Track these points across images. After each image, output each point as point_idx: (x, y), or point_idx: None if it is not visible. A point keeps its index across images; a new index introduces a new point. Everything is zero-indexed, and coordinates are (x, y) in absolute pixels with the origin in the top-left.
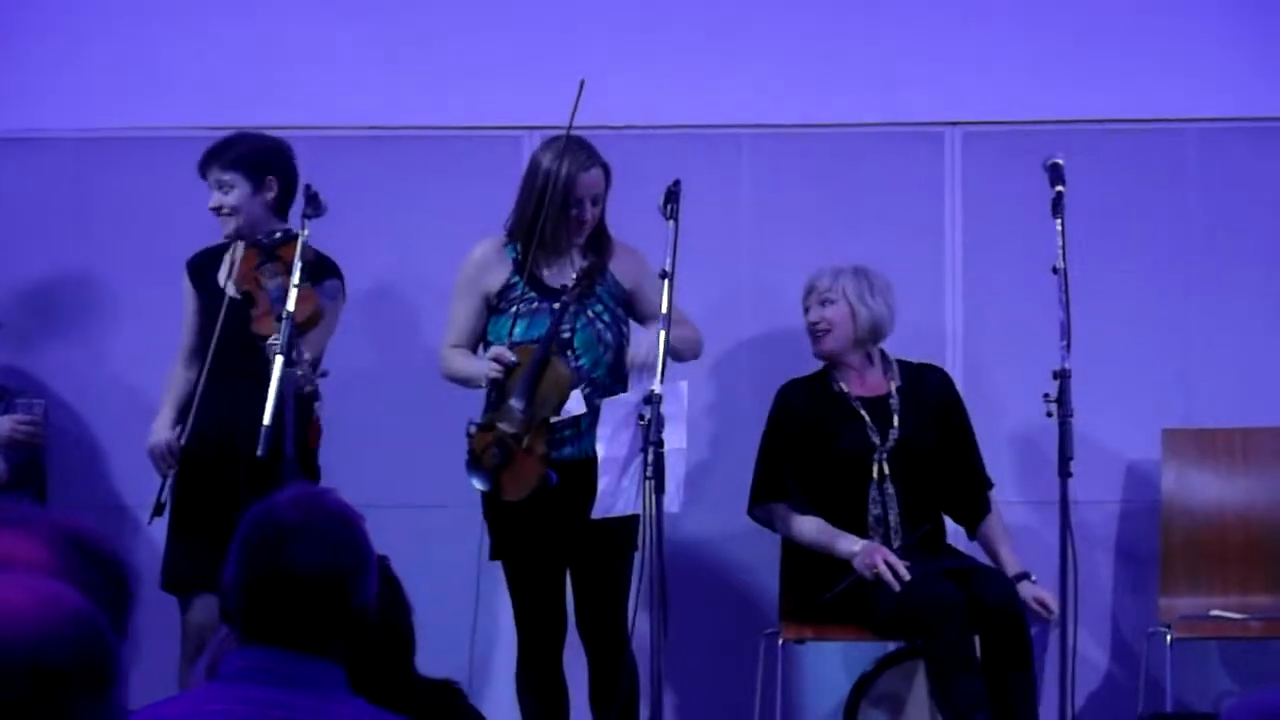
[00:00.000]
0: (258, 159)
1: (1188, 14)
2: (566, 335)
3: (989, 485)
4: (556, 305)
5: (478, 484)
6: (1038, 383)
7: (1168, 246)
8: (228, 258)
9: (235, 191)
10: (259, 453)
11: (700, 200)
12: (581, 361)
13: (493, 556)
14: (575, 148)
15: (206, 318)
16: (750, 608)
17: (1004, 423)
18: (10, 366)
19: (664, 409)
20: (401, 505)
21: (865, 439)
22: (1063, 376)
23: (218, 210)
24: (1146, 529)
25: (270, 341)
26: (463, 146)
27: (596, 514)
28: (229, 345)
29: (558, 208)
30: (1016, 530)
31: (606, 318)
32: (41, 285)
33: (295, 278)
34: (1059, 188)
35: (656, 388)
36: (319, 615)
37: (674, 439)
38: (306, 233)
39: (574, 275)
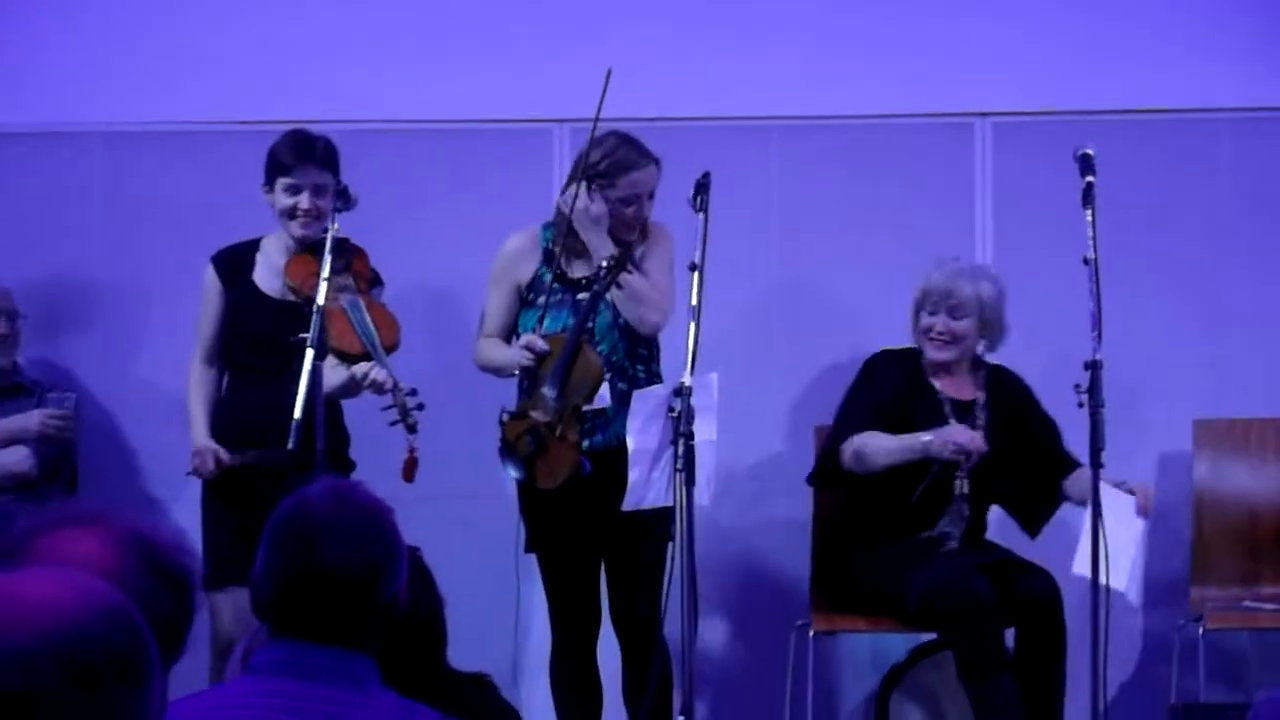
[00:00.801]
0: (337, 160)
1: (1220, 3)
2: (589, 325)
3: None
4: (582, 296)
5: (512, 473)
6: (1069, 373)
7: (1199, 237)
8: (260, 257)
9: (328, 195)
10: (289, 445)
11: (730, 192)
12: (600, 346)
13: (528, 549)
14: (628, 144)
15: (237, 316)
16: (781, 599)
17: None
18: (41, 359)
19: (694, 401)
20: (433, 497)
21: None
22: (1094, 367)
23: (308, 213)
24: (1179, 520)
25: (300, 335)
26: (493, 139)
27: (627, 506)
28: (278, 347)
29: (609, 202)
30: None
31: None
32: (71, 278)
33: (325, 270)
34: (1089, 178)
35: (687, 380)
36: (350, 608)
37: (704, 431)
38: (336, 226)
39: (602, 265)
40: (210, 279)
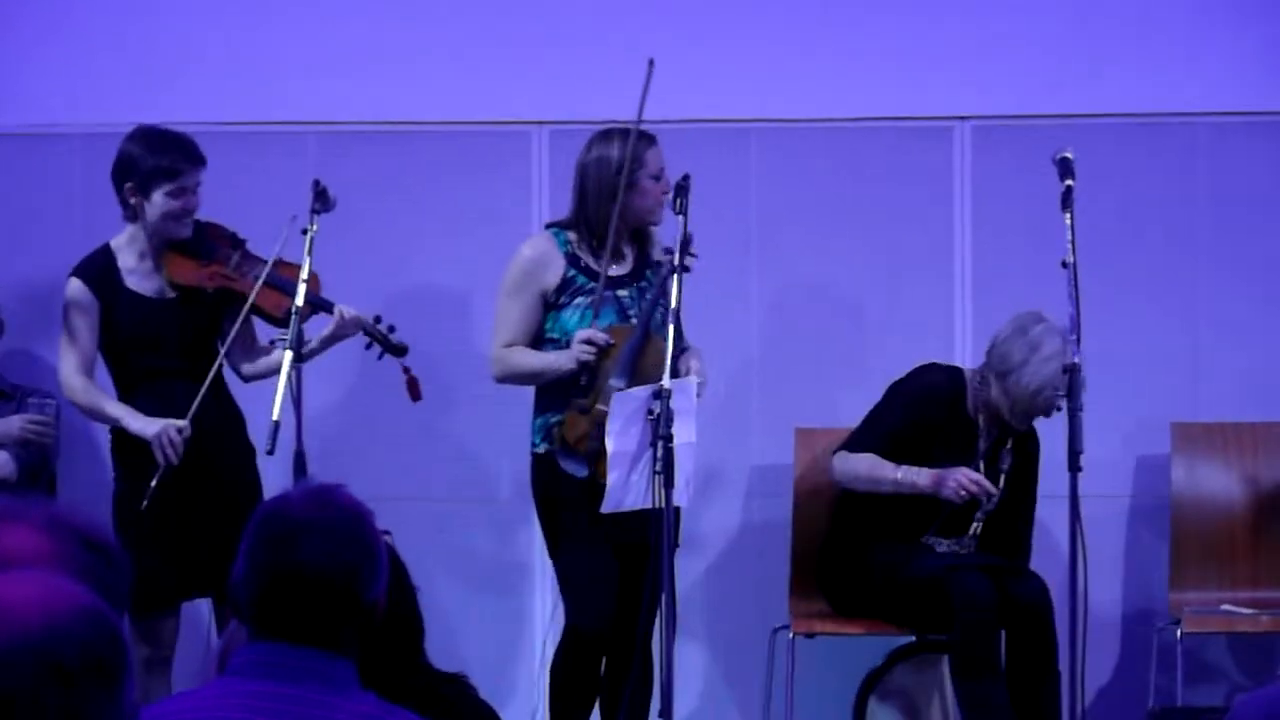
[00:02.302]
0: None
1: (1198, 8)
2: (632, 321)
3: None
4: (622, 293)
5: (573, 470)
6: None
7: (1177, 240)
8: (120, 263)
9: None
10: (267, 450)
11: (710, 194)
12: None
13: (553, 554)
14: (625, 131)
15: (125, 325)
16: (760, 602)
17: None
18: (22, 361)
19: (673, 404)
20: (412, 499)
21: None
22: (1072, 370)
23: (191, 213)
24: (1156, 523)
25: (279, 337)
26: (473, 141)
27: (606, 508)
28: (165, 347)
29: (632, 189)
30: None
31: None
32: (51, 281)
33: (304, 272)
34: (1068, 182)
35: (666, 383)
36: (329, 610)
37: (683, 434)
38: (315, 227)
39: (667, 250)
40: (79, 293)
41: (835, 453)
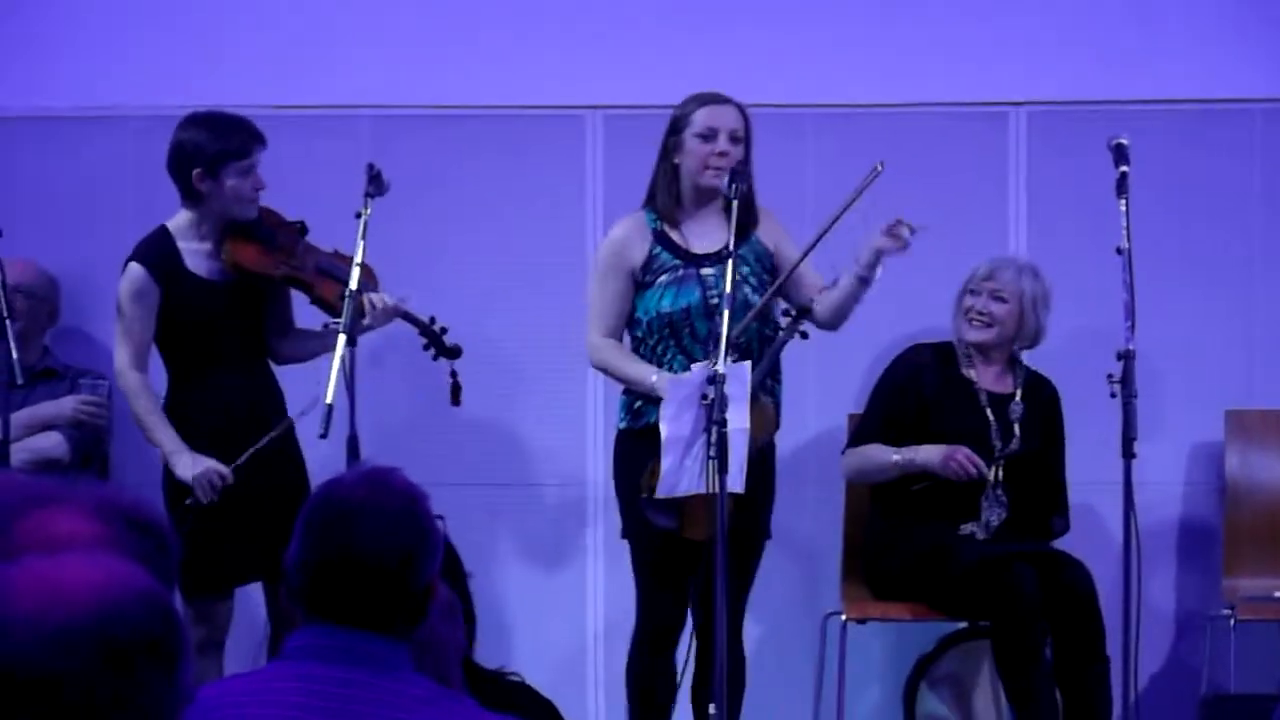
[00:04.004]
0: None
1: None
2: (714, 300)
3: (1064, 525)
4: (707, 271)
5: (661, 522)
6: (1102, 363)
7: (1232, 227)
8: (181, 245)
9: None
10: (320, 434)
11: (764, 180)
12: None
13: (624, 535)
14: (700, 93)
15: (188, 309)
16: (812, 587)
17: (1068, 403)
18: (76, 342)
19: (727, 389)
20: (470, 484)
21: (987, 441)
22: (1127, 357)
23: (257, 193)
24: (1210, 511)
25: (333, 321)
26: (526, 126)
27: (660, 494)
28: (228, 333)
29: (679, 150)
30: (1080, 510)
31: (753, 280)
32: (104, 263)
33: (359, 255)
34: (1123, 168)
35: (720, 368)
36: (383, 594)
37: (737, 419)
38: (369, 211)
39: (790, 314)
40: (141, 281)
41: (843, 452)
